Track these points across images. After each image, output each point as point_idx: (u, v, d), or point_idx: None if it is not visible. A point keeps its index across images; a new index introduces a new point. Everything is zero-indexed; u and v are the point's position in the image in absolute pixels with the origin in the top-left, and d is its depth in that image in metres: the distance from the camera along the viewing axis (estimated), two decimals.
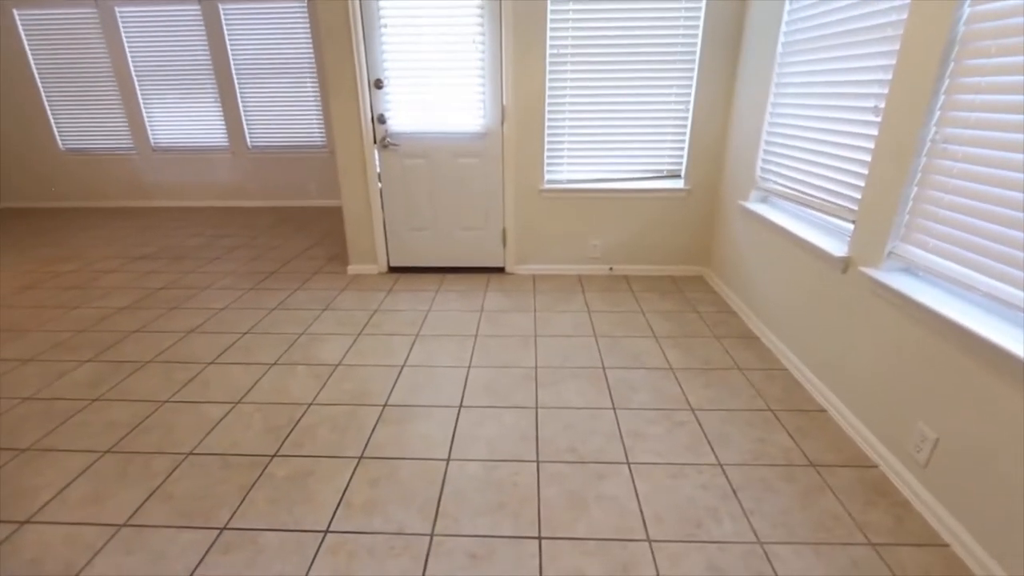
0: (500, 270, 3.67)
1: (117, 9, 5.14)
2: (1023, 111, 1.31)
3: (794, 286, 2.36)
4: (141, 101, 5.47)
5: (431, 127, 3.30)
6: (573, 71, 3.14)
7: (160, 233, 4.84)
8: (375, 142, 3.34)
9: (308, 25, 5.11)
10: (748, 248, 2.86)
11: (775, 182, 2.59)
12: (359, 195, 3.48)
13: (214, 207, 5.88)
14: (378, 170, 3.42)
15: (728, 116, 3.17)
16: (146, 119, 5.55)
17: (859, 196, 1.92)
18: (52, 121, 5.62)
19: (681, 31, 3.04)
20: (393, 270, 3.72)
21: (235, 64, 5.28)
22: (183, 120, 5.56)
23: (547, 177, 3.40)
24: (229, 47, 5.21)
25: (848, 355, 1.95)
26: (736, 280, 3.02)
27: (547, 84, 3.17)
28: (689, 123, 3.22)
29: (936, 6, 1.55)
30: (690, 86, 3.15)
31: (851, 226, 1.97)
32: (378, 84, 3.21)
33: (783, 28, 2.52)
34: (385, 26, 3.09)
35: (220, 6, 5.07)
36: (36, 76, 5.45)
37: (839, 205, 2.06)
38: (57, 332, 2.85)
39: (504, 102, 3.20)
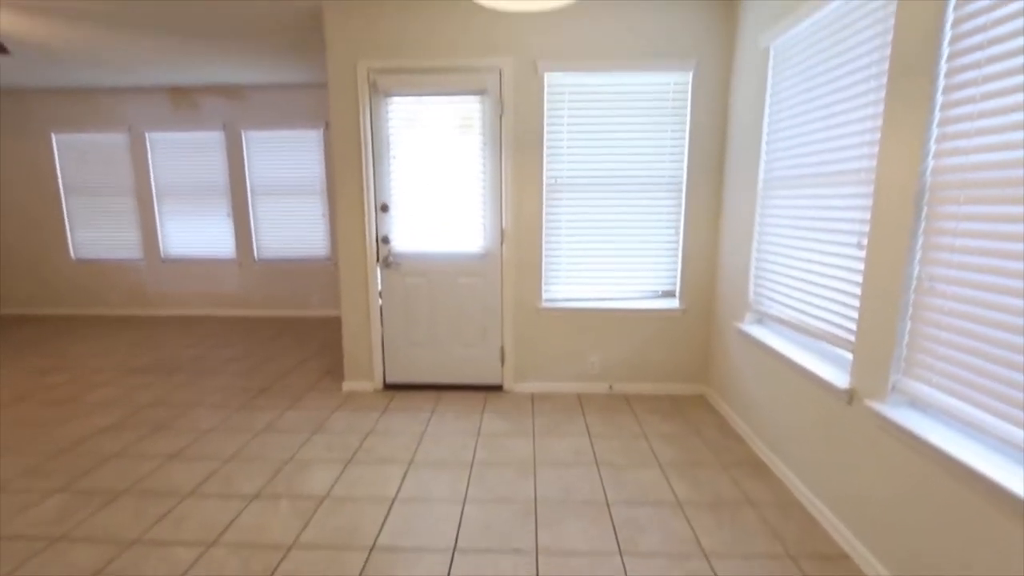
0: (498, 388, 3.60)
1: (148, 135, 5.58)
2: (1002, 256, 1.36)
3: (799, 413, 2.29)
4: (157, 214, 5.74)
5: (433, 248, 3.43)
6: (568, 196, 3.33)
7: (158, 343, 4.82)
8: (378, 261, 3.45)
9: (322, 148, 5.52)
10: (748, 370, 2.83)
11: (769, 307, 2.63)
12: (359, 312, 3.52)
13: (216, 316, 5.93)
14: (379, 288, 3.49)
15: (717, 240, 3.31)
16: (159, 231, 5.78)
17: (854, 327, 1.93)
18: (68, 232, 5.85)
19: (668, 160, 3.27)
20: (389, 387, 3.64)
21: (251, 182, 5.62)
22: (194, 232, 5.79)
23: (545, 295, 3.46)
24: (247, 167, 5.59)
25: (864, 492, 1.84)
26: (738, 402, 2.95)
27: (544, 208, 3.34)
28: (680, 245, 3.35)
29: (902, 160, 1.68)
30: (679, 210, 3.32)
31: (850, 355, 1.96)
32: (384, 208, 3.38)
33: (762, 164, 2.71)
34: (394, 157, 3.33)
35: (243, 132, 5.51)
36: (61, 190, 5.77)
37: (835, 335, 2.07)
38: (33, 455, 2.71)
39: (503, 225, 3.35)
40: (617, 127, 3.23)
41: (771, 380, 2.56)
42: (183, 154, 5.64)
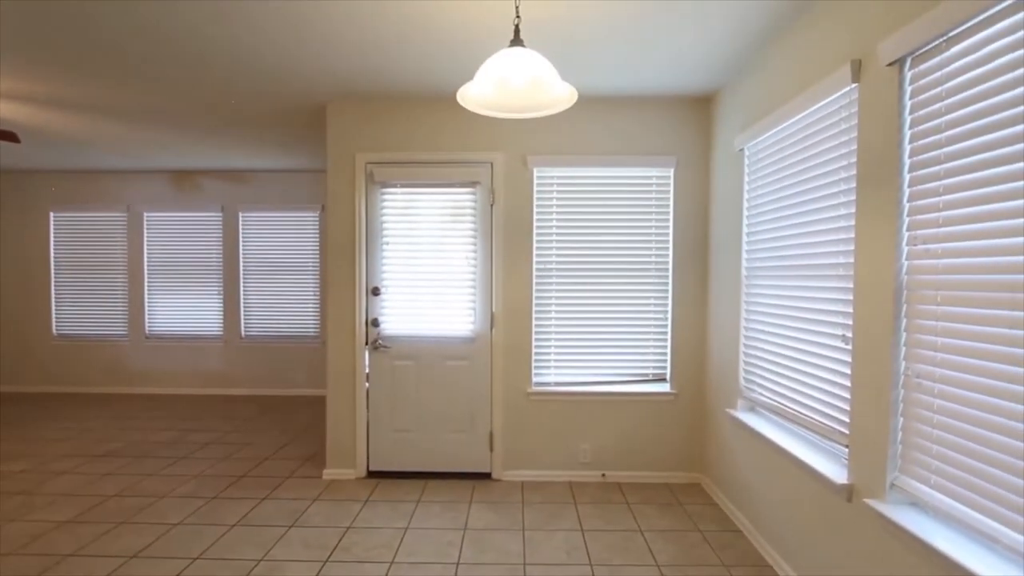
0: (487, 476, 3.45)
1: (146, 215, 5.70)
2: (984, 357, 1.39)
3: (798, 508, 2.22)
4: (146, 292, 5.72)
5: (422, 331, 3.43)
6: (558, 281, 3.40)
7: (132, 425, 4.62)
8: (367, 344, 3.42)
9: (318, 230, 5.65)
10: (743, 459, 2.76)
11: (760, 394, 2.62)
12: (345, 396, 3.44)
13: (197, 395, 5.74)
14: (367, 371, 3.43)
15: (705, 325, 3.36)
16: (146, 308, 5.73)
17: (847, 420, 1.92)
18: (53, 309, 5.78)
19: (655, 247, 3.39)
20: (372, 475, 3.48)
21: (244, 262, 5.67)
22: (181, 309, 5.75)
23: (535, 380, 3.43)
24: (241, 247, 5.66)
25: None
26: (736, 491, 2.85)
27: (533, 293, 3.39)
28: (669, 330, 3.38)
29: (878, 258, 1.76)
30: (667, 296, 3.39)
31: (846, 450, 1.93)
32: (375, 291, 3.41)
33: (744, 253, 2.81)
34: (387, 242, 3.41)
35: (240, 214, 5.64)
36: (52, 267, 5.76)
37: (829, 427, 2.05)
38: None
39: (493, 309, 3.38)
40: (604, 216, 3.38)
41: (768, 471, 2.50)
42: (179, 233, 5.73)
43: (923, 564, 1.53)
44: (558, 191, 3.39)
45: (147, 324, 5.75)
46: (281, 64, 2.79)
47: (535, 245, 3.39)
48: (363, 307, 3.40)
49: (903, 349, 1.67)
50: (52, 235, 5.76)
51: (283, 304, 5.72)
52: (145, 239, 5.72)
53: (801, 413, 2.26)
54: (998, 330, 1.35)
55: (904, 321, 1.67)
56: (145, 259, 5.72)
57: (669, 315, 3.39)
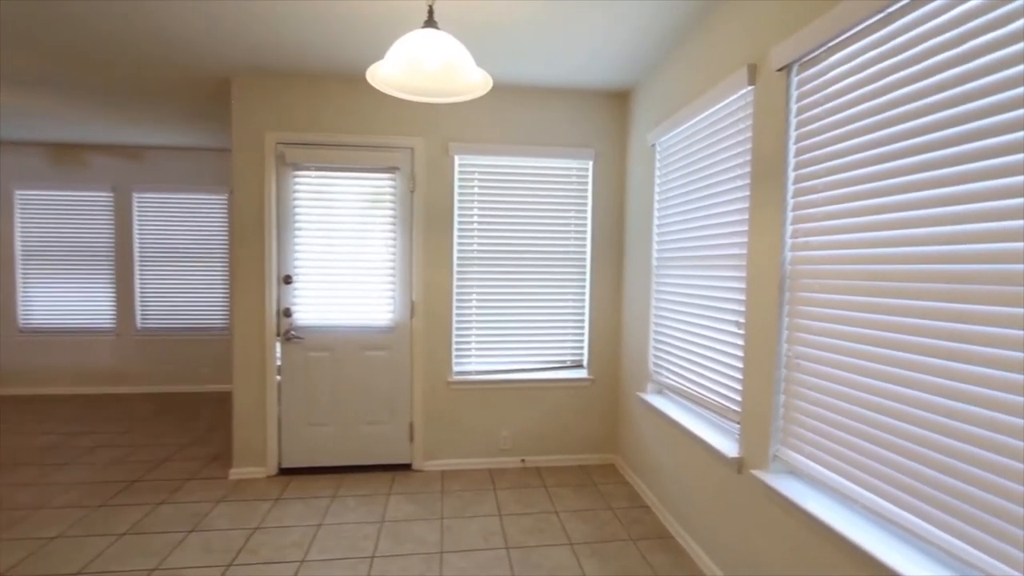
0: (407, 467, 3.41)
1: (17, 192, 5.02)
2: (850, 339, 1.55)
3: (698, 483, 2.38)
4: (18, 281, 5.06)
5: (338, 321, 3.30)
6: (479, 270, 3.39)
7: (8, 432, 4.09)
8: (278, 335, 3.24)
9: (227, 214, 5.26)
10: (652, 439, 2.92)
11: (667, 378, 2.78)
12: (254, 390, 3.24)
13: (84, 395, 5.18)
14: (278, 363, 3.26)
15: (620, 313, 3.50)
16: (18, 299, 5.07)
17: (740, 399, 2.08)
18: None
19: (574, 237, 3.47)
20: (285, 472, 3.33)
21: (140, 247, 5.17)
22: (64, 300, 5.15)
23: (456, 369, 3.41)
24: (136, 231, 5.15)
25: (759, 561, 1.91)
26: (645, 471, 3.02)
27: (455, 282, 3.37)
28: (587, 317, 3.49)
29: (766, 250, 1.91)
30: (584, 285, 3.49)
31: (738, 427, 2.10)
32: (287, 280, 3.24)
33: (654, 244, 2.96)
34: (300, 228, 3.23)
35: (134, 194, 5.12)
36: None
37: (724, 406, 2.21)
38: None
39: (414, 298, 3.32)
40: (525, 206, 3.41)
41: (673, 449, 2.66)
42: (60, 214, 5.11)
43: (799, 526, 1.70)
44: (480, 179, 3.38)
45: (20, 316, 5.10)
46: (180, 31, 2.54)
47: (456, 233, 3.36)
48: (274, 296, 3.21)
49: (785, 333, 1.83)
50: None
51: (187, 293, 5.28)
52: (16, 220, 5.05)
53: (702, 394, 2.42)
54: (862, 315, 1.51)
55: (787, 308, 1.83)
56: (17, 243, 5.05)
57: (587, 304, 3.49)
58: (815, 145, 1.71)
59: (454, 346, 3.39)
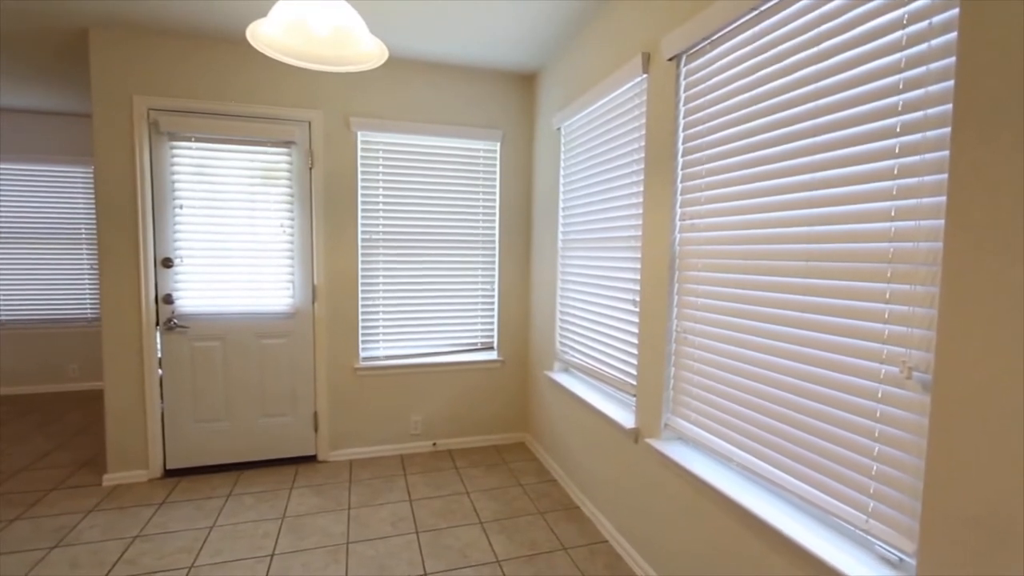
0: (312, 459, 3.26)
1: None
2: (728, 313, 1.69)
3: (600, 454, 2.51)
4: None
5: (230, 307, 3.05)
6: (385, 252, 3.28)
7: None
8: (158, 324, 2.93)
9: (93, 189, 4.63)
10: (559, 416, 3.03)
11: (572, 355, 2.88)
12: (130, 387, 2.92)
13: None
14: (159, 355, 2.95)
15: (529, 294, 3.56)
16: None
17: (636, 373, 2.21)
18: None
19: (482, 219, 3.46)
20: (171, 473, 3.04)
21: None
22: None
23: (363, 354, 3.30)
24: None
25: (657, 528, 2.05)
26: (554, 447, 3.13)
27: (360, 264, 3.23)
28: (496, 299, 3.52)
29: (658, 231, 2.02)
30: (494, 267, 3.51)
31: (634, 399, 2.22)
32: (167, 263, 2.92)
33: (560, 226, 3.03)
34: (181, 206, 2.92)
35: None
36: None
37: (623, 380, 2.34)
38: None
39: (315, 281, 3.14)
40: (432, 187, 3.33)
41: (577, 424, 2.77)
42: None
43: (688, 487, 1.84)
44: (384, 157, 3.25)
45: None
46: None
47: (361, 213, 3.22)
48: (150, 282, 2.89)
49: (675, 310, 1.96)
50: None
51: (48, 280, 4.61)
52: None
53: (603, 370, 2.53)
54: (737, 291, 1.65)
55: (676, 286, 1.95)
56: None
57: (496, 286, 3.51)
58: (700, 133, 1.82)
59: (361, 331, 3.27)
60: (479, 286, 3.49)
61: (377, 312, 3.31)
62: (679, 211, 1.94)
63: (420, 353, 3.41)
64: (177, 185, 2.91)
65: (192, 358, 3.01)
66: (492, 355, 3.53)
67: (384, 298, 3.31)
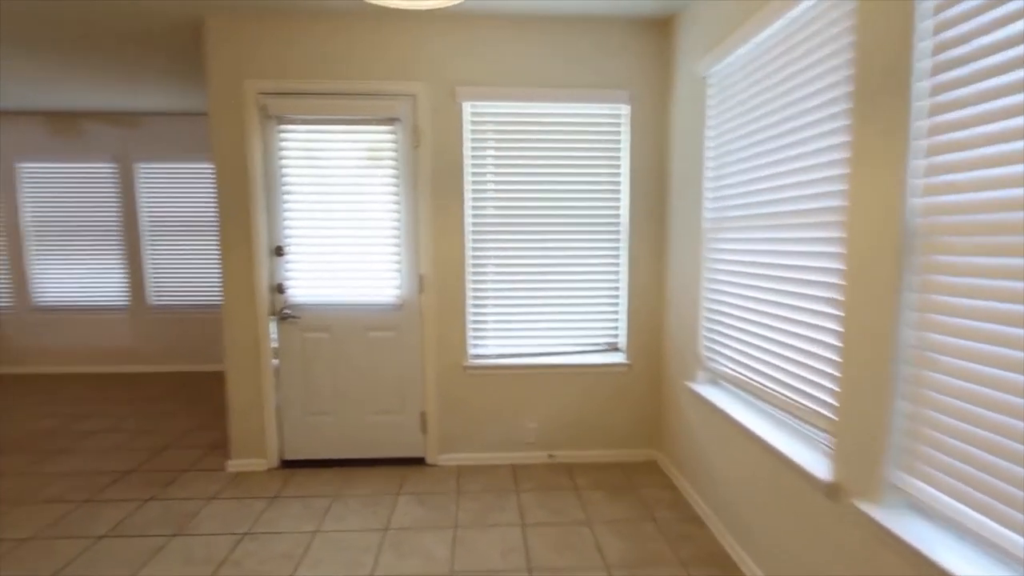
0: (420, 461, 3.04)
1: (18, 165, 4.81)
2: (1013, 323, 1.02)
3: (769, 502, 1.90)
4: (28, 258, 4.90)
5: (337, 297, 2.91)
6: (496, 236, 2.92)
7: (10, 413, 3.95)
8: (272, 314, 2.88)
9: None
10: (705, 438, 2.44)
11: (723, 365, 2.27)
12: (249, 375, 2.91)
13: (98, 374, 5.05)
14: (274, 345, 2.91)
15: (663, 287, 2.97)
16: (29, 276, 4.92)
17: (833, 402, 1.57)
18: None
19: (607, 198, 2.94)
20: (286, 464, 3.01)
21: (147, 221, 4.92)
22: (75, 277, 4.97)
23: (472, 352, 2.99)
24: (139, 205, 4.89)
25: None
26: (696, 474, 2.55)
27: (469, 252, 2.91)
28: (624, 292, 2.98)
29: (878, 198, 1.36)
30: (621, 253, 2.98)
31: (830, 438, 1.59)
32: (279, 251, 2.85)
33: (705, 202, 2.41)
34: (289, 192, 2.82)
35: (136, 165, 4.84)
36: None
37: (808, 408, 1.70)
38: None
39: (422, 270, 2.89)
40: (548, 162, 2.89)
41: (733, 454, 2.17)
42: (65, 188, 4.88)
43: None
44: (494, 131, 2.87)
45: (32, 294, 4.96)
46: None
47: (469, 195, 2.89)
48: (264, 270, 2.84)
49: (911, 314, 1.30)
50: None
51: (197, 269, 5.03)
52: (22, 195, 4.85)
53: (773, 390, 1.90)
54: None
55: (913, 278, 1.29)
56: (24, 218, 4.87)
57: (623, 275, 2.98)
58: (965, 36, 1.13)
59: (469, 325, 2.96)
60: (603, 276, 2.99)
61: (487, 304, 2.97)
62: (921, 164, 1.27)
63: (535, 352, 3.01)
64: (285, 170, 2.81)
65: (304, 349, 2.92)
66: (618, 357, 3.01)
67: (495, 289, 2.96)
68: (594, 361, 2.98)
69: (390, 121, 2.80)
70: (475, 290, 2.95)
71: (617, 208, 2.96)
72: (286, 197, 2.82)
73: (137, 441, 3.41)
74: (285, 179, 2.81)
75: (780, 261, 1.86)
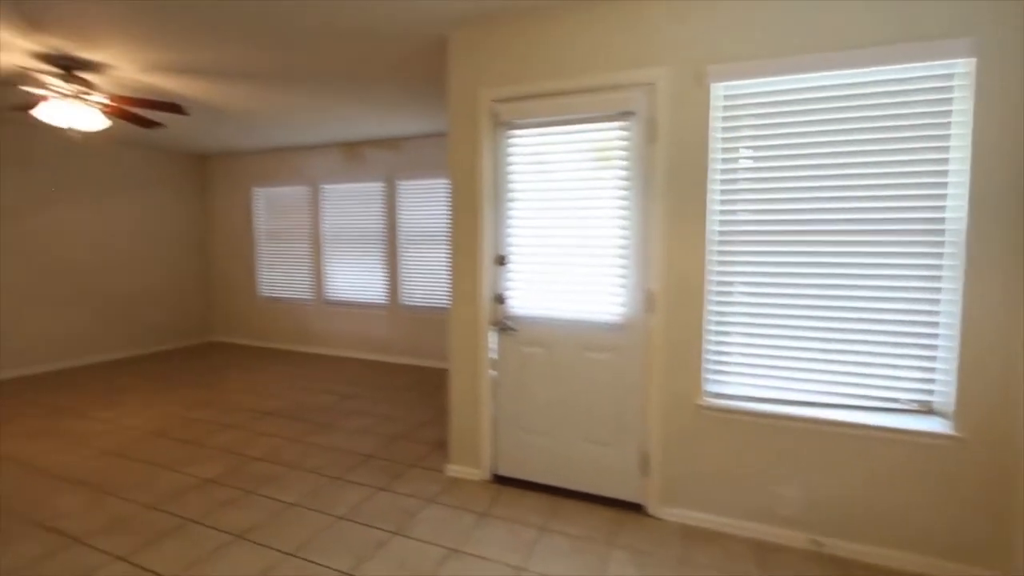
0: (637, 508, 2.61)
1: (322, 186, 6.02)
2: None
3: None
4: (323, 259, 6.10)
5: (556, 312, 2.69)
6: (747, 249, 2.32)
7: (302, 384, 4.89)
8: (493, 324, 2.83)
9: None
10: None
11: None
12: (469, 381, 2.92)
13: (364, 360, 5.97)
14: (493, 355, 2.85)
15: (1022, 326, 1.95)
16: (324, 274, 6.12)
17: None
18: (257, 273, 6.56)
19: (925, 195, 2.07)
20: (498, 479, 2.92)
21: (402, 230, 5.64)
22: (351, 276, 6.00)
23: (709, 388, 2.44)
24: (399, 216, 5.62)
25: None
26: None
27: (710, 266, 2.38)
28: (956, 331, 2.05)
29: None
30: (942, 276, 2.05)
31: None
32: (501, 260, 2.78)
33: None
34: (514, 199, 2.73)
35: (398, 182, 5.58)
36: (255, 237, 6.52)
37: None
38: (128, 503, 2.63)
39: (651, 287, 2.47)
40: (829, 149, 2.17)
41: None
42: (347, 203, 5.94)
43: None
44: (752, 115, 2.28)
45: (325, 289, 6.15)
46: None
47: (713, 197, 2.36)
48: (488, 279, 2.80)
49: None
50: (255, 208, 6.50)
51: (434, 273, 5.57)
52: (322, 210, 6.07)
53: None
54: None
55: None
56: (322, 228, 6.08)
57: (955, 306, 2.05)
58: None
59: (707, 356, 2.42)
60: (912, 304, 2.11)
61: (730, 333, 2.39)
62: None
63: (797, 400, 2.30)
64: (511, 177, 2.72)
65: (520, 362, 2.79)
66: (937, 425, 2.08)
67: (743, 313, 2.36)
68: (895, 425, 2.12)
69: (623, 116, 2.47)
70: (717, 312, 2.40)
71: (940, 211, 2.06)
72: (510, 205, 2.74)
73: (381, 426, 3.80)
74: (511, 186, 2.73)
75: None
